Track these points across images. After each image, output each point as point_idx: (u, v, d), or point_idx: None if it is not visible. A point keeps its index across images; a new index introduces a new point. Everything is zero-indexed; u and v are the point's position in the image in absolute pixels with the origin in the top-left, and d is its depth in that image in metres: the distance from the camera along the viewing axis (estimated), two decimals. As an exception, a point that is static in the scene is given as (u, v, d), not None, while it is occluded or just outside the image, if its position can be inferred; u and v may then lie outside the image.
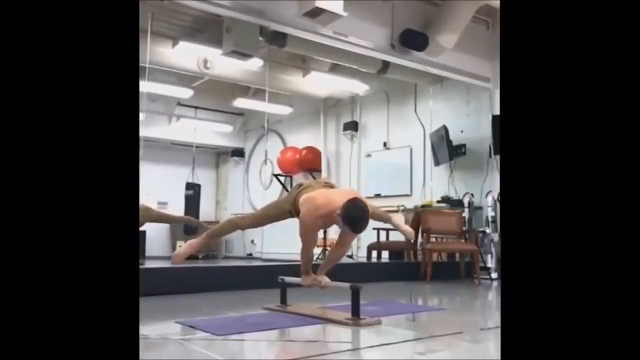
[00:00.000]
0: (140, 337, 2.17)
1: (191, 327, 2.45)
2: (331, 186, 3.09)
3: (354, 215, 2.63)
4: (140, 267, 4.81)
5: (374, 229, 6.59)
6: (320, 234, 6.01)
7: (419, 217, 5.83)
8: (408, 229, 3.39)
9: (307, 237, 2.83)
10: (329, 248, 7.47)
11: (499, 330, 2.32)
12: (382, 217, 3.38)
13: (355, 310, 2.58)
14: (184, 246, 3.17)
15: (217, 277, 4.32)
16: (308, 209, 2.75)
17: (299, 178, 9.36)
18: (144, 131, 6.97)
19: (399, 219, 3.57)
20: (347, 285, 2.65)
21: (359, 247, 7.84)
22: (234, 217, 3.30)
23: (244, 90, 8.83)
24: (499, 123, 5.42)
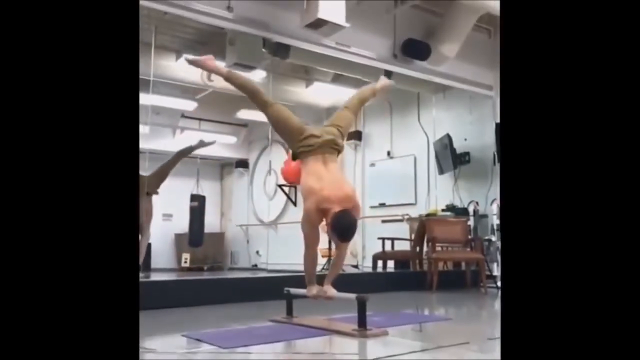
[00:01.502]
0: (146, 350, 2.18)
1: (197, 340, 2.45)
2: (339, 151, 3.07)
3: (342, 226, 2.70)
4: (146, 279, 4.81)
5: (379, 238, 6.59)
6: (325, 243, 6.01)
7: (424, 226, 5.81)
8: (384, 83, 3.50)
9: (308, 228, 2.83)
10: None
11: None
12: (364, 98, 3.44)
13: (362, 321, 2.57)
14: (206, 56, 3.15)
15: (222, 289, 4.32)
16: (315, 200, 2.77)
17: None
18: (149, 144, 6.97)
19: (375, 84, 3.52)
20: (353, 296, 2.64)
21: (365, 257, 7.83)
22: (262, 91, 3.21)
23: (247, 101, 8.80)
24: (502, 131, 5.41)
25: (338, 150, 3.05)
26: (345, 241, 2.82)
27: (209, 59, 3.13)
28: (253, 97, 3.16)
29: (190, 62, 3.16)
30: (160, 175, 6.30)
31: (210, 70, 3.17)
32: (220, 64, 3.14)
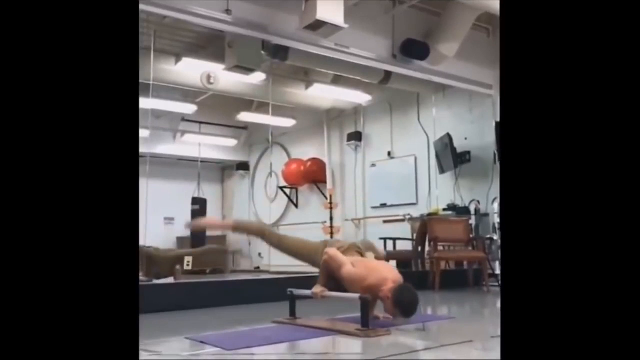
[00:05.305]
0: (151, 354, 2.18)
1: (201, 342, 2.45)
2: (361, 254, 3.16)
3: (407, 300, 2.62)
4: (149, 283, 4.82)
5: (381, 238, 6.59)
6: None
7: (425, 225, 5.81)
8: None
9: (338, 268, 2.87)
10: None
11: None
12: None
13: (365, 322, 2.57)
14: (207, 217, 3.26)
15: (225, 291, 4.32)
16: (358, 273, 2.80)
17: (304, 190, 9.39)
18: (150, 148, 7.00)
19: None
20: (356, 296, 2.64)
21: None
22: (267, 225, 3.31)
23: (247, 104, 8.87)
24: (502, 129, 5.41)
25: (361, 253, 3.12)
26: (407, 317, 2.66)
27: (210, 219, 3.26)
28: (263, 238, 3.26)
29: (194, 228, 3.23)
30: (175, 261, 6.24)
31: (217, 228, 3.28)
32: (222, 221, 3.29)
